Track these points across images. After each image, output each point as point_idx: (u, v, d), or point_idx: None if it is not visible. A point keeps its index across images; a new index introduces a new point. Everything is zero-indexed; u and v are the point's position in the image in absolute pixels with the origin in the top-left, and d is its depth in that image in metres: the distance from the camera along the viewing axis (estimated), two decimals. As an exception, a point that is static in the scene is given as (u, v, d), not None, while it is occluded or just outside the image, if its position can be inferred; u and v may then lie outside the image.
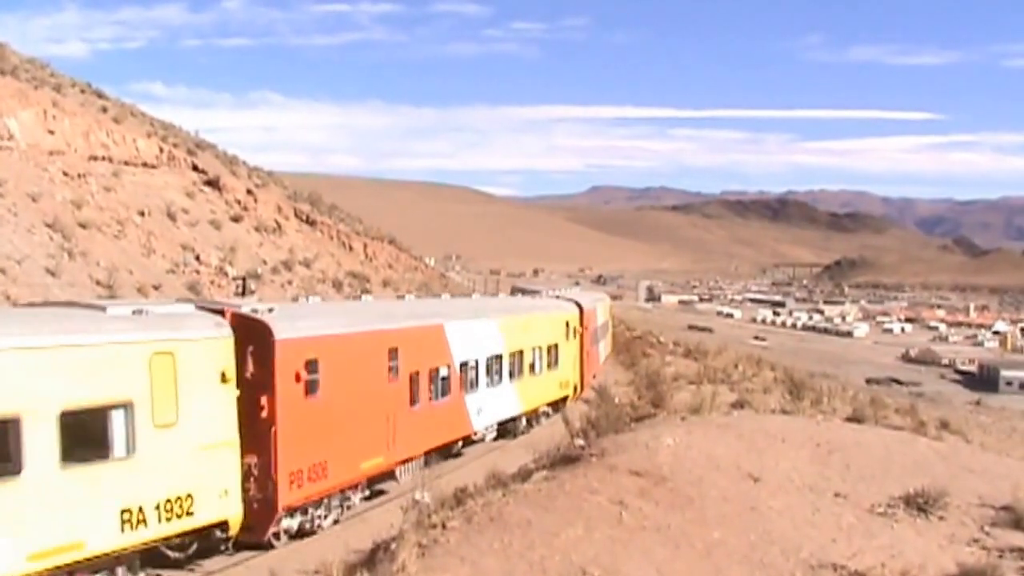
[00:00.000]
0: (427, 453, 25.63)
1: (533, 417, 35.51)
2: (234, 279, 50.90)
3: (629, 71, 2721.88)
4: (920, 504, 15.84)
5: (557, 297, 47.72)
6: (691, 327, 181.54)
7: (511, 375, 32.48)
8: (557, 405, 37.77)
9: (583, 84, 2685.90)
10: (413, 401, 24.75)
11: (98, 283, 41.98)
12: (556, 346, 37.92)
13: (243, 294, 38.01)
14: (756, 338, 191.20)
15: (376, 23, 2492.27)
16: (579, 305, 44.51)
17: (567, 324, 40.15)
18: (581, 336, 43.22)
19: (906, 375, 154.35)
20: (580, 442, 19.54)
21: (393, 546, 13.38)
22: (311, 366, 19.67)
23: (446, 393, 27.21)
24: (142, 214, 54.79)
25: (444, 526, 14.25)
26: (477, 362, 29.45)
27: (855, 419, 27.47)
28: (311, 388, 19.71)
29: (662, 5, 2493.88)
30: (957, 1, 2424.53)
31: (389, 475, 23.92)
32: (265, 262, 61.58)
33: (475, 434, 29.81)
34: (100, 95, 74.27)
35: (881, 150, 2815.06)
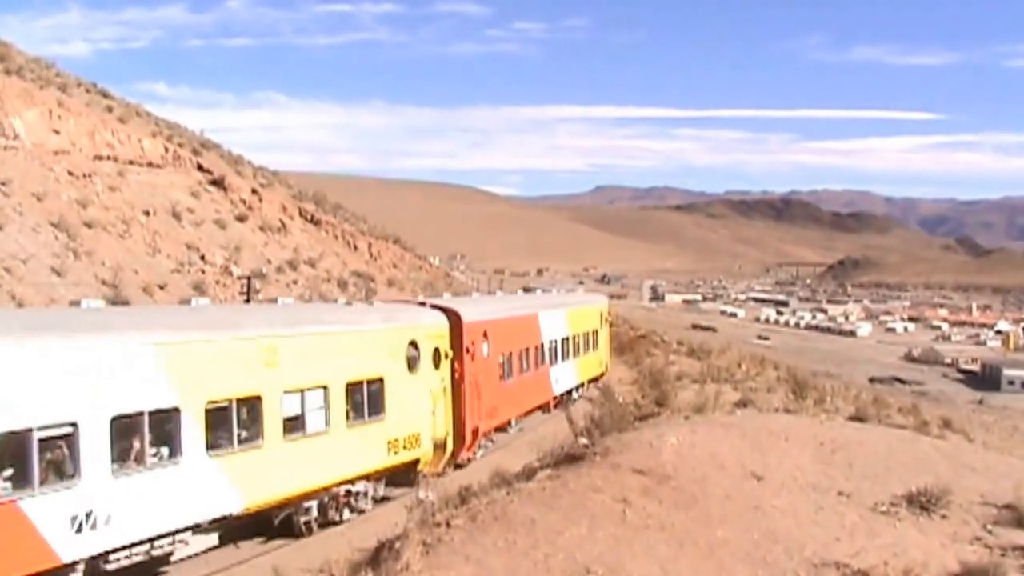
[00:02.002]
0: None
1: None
2: (239, 278, 51.02)
3: (631, 71, 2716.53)
4: (923, 503, 15.89)
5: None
6: (695, 326, 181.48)
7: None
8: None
9: (585, 84, 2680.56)
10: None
11: (103, 282, 42.08)
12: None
13: (248, 294, 38.08)
14: (760, 337, 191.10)
15: (378, 23, 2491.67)
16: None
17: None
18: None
19: (909, 374, 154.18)
20: (584, 441, 19.60)
21: (398, 545, 13.44)
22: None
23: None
24: (147, 214, 54.89)
25: (448, 525, 14.31)
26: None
27: (858, 418, 27.57)
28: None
29: (663, 5, 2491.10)
30: (958, 1, 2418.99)
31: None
32: (270, 261, 61.66)
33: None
34: (105, 95, 74.31)
35: (884, 150, 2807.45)
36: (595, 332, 45.16)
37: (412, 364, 23.71)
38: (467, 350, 26.11)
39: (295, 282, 59.59)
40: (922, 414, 43.35)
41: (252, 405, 18.17)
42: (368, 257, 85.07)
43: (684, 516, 14.79)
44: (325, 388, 20.34)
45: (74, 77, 73.31)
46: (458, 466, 26.33)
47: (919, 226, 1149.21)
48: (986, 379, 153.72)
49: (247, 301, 37.69)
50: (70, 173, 52.07)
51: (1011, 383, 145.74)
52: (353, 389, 21.42)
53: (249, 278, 47.90)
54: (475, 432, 27.10)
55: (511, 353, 31.07)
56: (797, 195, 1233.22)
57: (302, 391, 19.59)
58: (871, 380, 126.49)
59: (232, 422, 17.61)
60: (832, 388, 46.50)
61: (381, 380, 22.20)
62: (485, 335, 27.90)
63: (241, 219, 66.07)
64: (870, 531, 14.83)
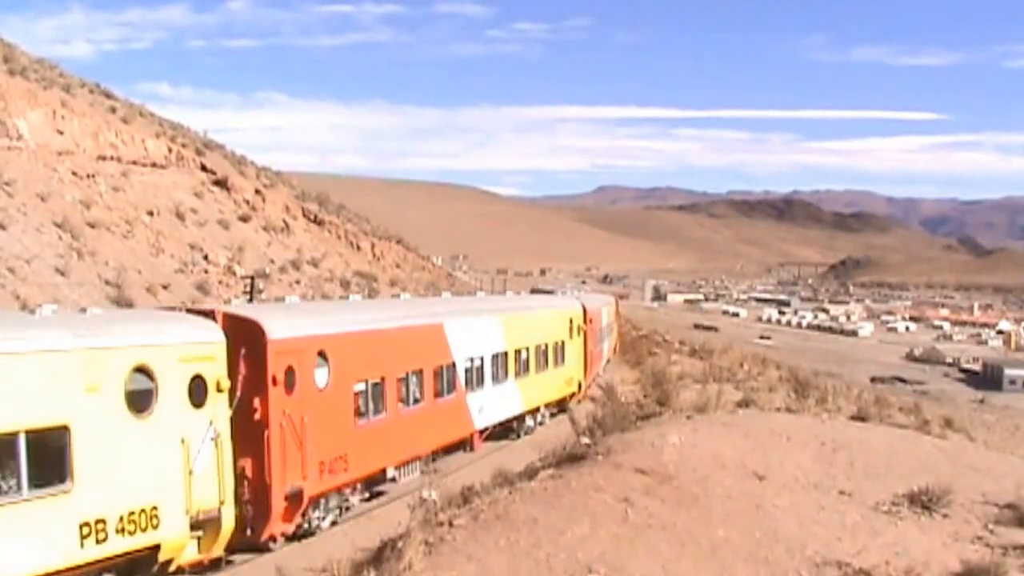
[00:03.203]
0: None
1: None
2: (242, 279, 51.08)
3: (632, 71, 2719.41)
4: (924, 502, 15.92)
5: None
6: (697, 326, 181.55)
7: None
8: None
9: (587, 84, 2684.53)
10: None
11: (107, 283, 42.16)
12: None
13: (251, 294, 38.06)
14: (761, 337, 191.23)
15: (380, 24, 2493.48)
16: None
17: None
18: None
19: (910, 374, 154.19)
20: (586, 440, 19.66)
21: (400, 544, 13.47)
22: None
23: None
24: (151, 214, 54.97)
25: (451, 524, 14.35)
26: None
27: (860, 417, 27.55)
28: None
29: (664, 5, 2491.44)
30: (959, 2, 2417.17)
31: None
32: (273, 261, 61.76)
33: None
34: (109, 95, 74.44)
35: (885, 150, 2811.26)
36: (559, 345, 37.21)
37: (140, 402, 15.66)
38: (275, 380, 18.48)
39: (298, 282, 59.68)
40: (924, 413, 43.33)
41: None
42: (371, 257, 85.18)
43: (686, 515, 14.83)
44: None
45: (78, 78, 73.47)
46: (265, 549, 18.90)
47: (921, 226, 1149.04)
48: (988, 379, 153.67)
49: (250, 301, 37.45)
50: (74, 173, 52.15)
51: (1012, 383, 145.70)
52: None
53: (252, 278, 47.96)
54: (297, 496, 19.06)
55: (383, 379, 22.86)
56: (799, 195, 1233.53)
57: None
58: (873, 380, 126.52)
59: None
60: (834, 388, 46.49)
61: (62, 430, 14.11)
62: (323, 356, 20.30)
63: (244, 219, 66.17)
64: (872, 530, 14.87)
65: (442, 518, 14.64)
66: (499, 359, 30.63)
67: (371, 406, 22.31)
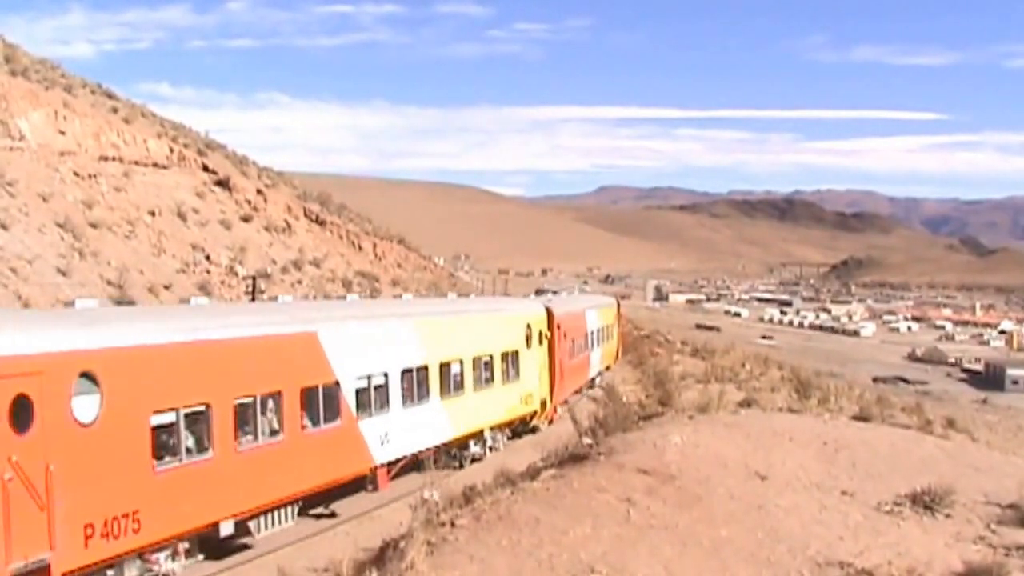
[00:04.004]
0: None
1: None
2: (244, 279, 51.15)
3: (632, 72, 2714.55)
4: (926, 502, 15.90)
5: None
6: (699, 326, 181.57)
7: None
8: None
9: (587, 85, 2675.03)
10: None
11: (109, 283, 42.24)
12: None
13: (253, 294, 38.10)
14: (763, 337, 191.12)
15: (380, 24, 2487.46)
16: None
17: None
18: None
19: (913, 374, 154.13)
20: (588, 440, 19.66)
21: (402, 544, 13.47)
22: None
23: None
24: (152, 214, 55.05)
25: (453, 524, 14.35)
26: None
27: (862, 417, 27.53)
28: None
29: (664, 5, 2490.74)
30: (959, 2, 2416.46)
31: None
32: (275, 262, 61.86)
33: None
34: (110, 96, 74.58)
35: (886, 150, 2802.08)
36: (511, 355, 31.68)
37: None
38: None
39: (299, 282, 59.78)
40: (926, 413, 43.31)
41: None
42: (373, 257, 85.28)
43: (688, 516, 14.83)
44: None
45: (79, 78, 73.62)
46: None
47: (923, 226, 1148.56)
48: (990, 379, 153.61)
49: (252, 300, 37.50)
50: (76, 174, 52.24)
51: (1015, 383, 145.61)
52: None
53: (254, 278, 48.02)
54: (40, 572, 14.09)
55: (209, 407, 17.69)
56: (800, 195, 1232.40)
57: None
58: (875, 380, 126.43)
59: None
60: (836, 388, 46.53)
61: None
62: (89, 379, 15.26)
63: (246, 219, 66.28)
64: (874, 530, 14.87)
65: (444, 518, 14.65)
66: (414, 375, 24.90)
67: (184, 444, 17.01)
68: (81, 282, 40.17)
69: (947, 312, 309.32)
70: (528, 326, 33.43)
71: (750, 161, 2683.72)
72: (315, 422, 20.74)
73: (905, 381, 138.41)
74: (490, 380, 29.52)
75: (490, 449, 29.39)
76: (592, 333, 45.99)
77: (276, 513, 19.65)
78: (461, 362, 27.64)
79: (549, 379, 35.22)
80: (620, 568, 12.94)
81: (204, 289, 47.96)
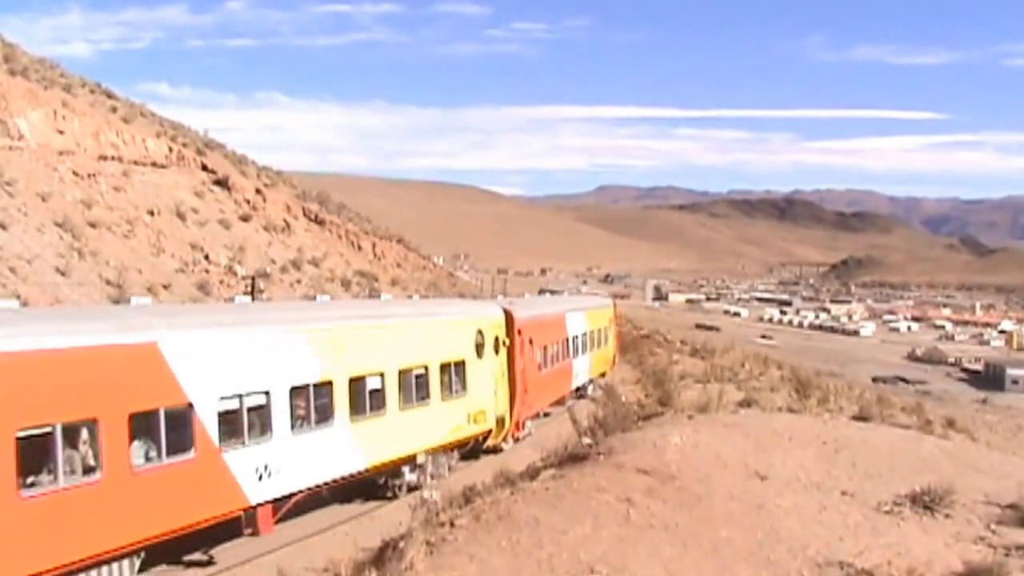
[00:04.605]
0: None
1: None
2: (243, 278, 51.14)
3: (631, 71, 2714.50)
4: (926, 502, 15.89)
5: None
6: (698, 326, 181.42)
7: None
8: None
9: (586, 84, 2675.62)
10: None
11: (108, 282, 42.21)
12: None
13: (252, 294, 38.10)
14: (763, 337, 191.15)
15: (378, 23, 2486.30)
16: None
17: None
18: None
19: (912, 374, 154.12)
20: (588, 440, 19.64)
21: (402, 544, 13.46)
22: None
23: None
24: (151, 214, 55.03)
25: (452, 524, 14.34)
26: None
27: (862, 417, 27.55)
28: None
29: (664, 5, 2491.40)
30: (959, 2, 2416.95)
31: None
32: (274, 261, 61.85)
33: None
34: (110, 95, 74.57)
35: (886, 149, 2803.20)
36: (455, 366, 27.25)
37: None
38: None
39: (299, 281, 59.75)
40: (926, 413, 43.31)
41: None
42: (372, 257, 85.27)
43: (688, 516, 14.81)
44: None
45: (78, 78, 73.58)
46: None
47: (922, 225, 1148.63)
48: (990, 379, 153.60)
49: (252, 300, 37.40)
50: (75, 173, 52.22)
51: (1015, 383, 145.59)
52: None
53: (253, 278, 48.01)
54: None
55: None
56: (800, 195, 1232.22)
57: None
58: (874, 379, 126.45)
59: None
60: (835, 387, 46.55)
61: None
62: None
63: (245, 219, 66.27)
64: (874, 530, 14.85)
65: (444, 518, 14.63)
66: (310, 393, 20.40)
67: None
68: (80, 282, 40.17)
69: (947, 312, 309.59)
70: (479, 332, 28.77)
71: (750, 161, 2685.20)
72: (153, 455, 16.35)
73: (905, 381, 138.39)
74: (424, 397, 24.87)
75: (431, 476, 24.81)
76: (574, 338, 41.30)
77: (94, 573, 15.48)
78: (382, 376, 23.00)
79: (509, 392, 30.88)
80: (620, 568, 12.92)
81: (203, 289, 47.97)
